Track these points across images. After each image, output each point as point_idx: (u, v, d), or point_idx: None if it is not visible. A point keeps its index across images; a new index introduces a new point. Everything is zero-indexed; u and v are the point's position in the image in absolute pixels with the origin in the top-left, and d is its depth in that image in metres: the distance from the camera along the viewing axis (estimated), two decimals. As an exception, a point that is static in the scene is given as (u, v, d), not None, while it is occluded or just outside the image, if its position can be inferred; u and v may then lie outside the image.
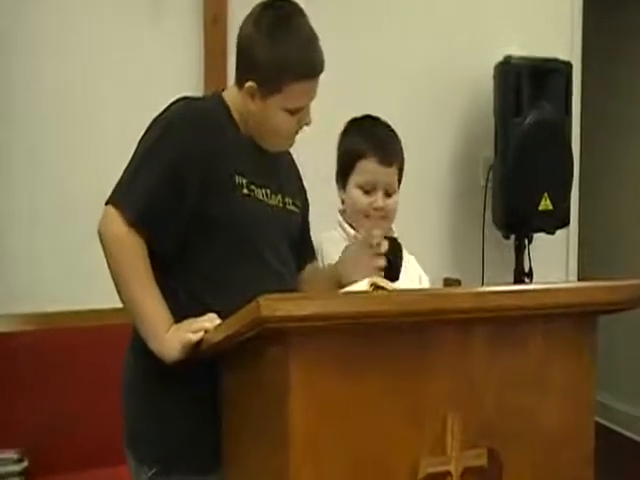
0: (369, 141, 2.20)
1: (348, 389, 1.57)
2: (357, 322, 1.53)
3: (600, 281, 1.81)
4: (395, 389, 1.61)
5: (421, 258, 2.28)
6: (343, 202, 2.29)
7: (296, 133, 2.06)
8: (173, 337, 1.82)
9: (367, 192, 2.20)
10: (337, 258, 2.12)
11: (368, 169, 2.19)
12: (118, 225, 1.86)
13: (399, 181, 2.25)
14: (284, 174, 2.16)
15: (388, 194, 2.21)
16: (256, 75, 1.96)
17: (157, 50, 3.32)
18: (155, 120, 1.97)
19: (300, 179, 2.26)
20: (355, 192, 2.21)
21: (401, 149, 2.26)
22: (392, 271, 2.02)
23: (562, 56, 3.85)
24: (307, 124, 2.05)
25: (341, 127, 2.32)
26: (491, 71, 3.76)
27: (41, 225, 3.19)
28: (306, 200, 2.26)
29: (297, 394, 1.53)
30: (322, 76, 2.01)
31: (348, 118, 2.33)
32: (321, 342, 1.54)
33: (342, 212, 2.29)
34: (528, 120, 3.67)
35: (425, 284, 2.29)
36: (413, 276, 2.26)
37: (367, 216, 2.20)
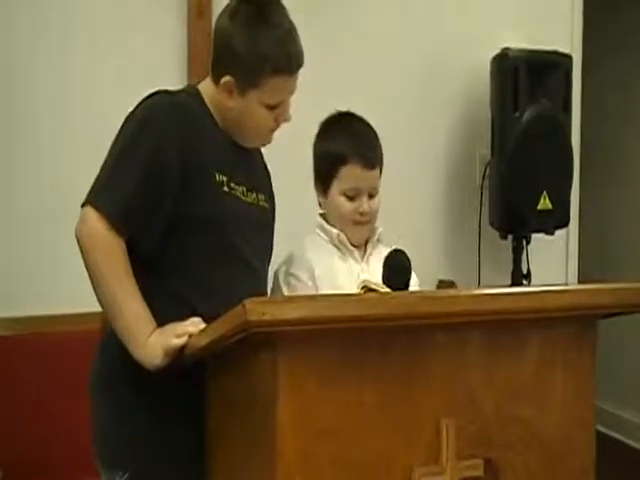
0: (350, 144, 2.19)
1: (338, 397, 1.57)
2: (348, 326, 1.53)
3: (602, 283, 1.82)
4: (387, 396, 1.62)
5: (414, 259, 2.27)
6: (321, 205, 2.28)
7: (274, 130, 2.07)
8: (155, 342, 1.82)
9: (351, 198, 2.20)
10: (321, 264, 2.16)
11: (352, 175, 2.19)
12: (96, 226, 1.85)
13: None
14: (257, 171, 2.18)
15: (371, 195, 2.22)
16: (234, 70, 1.97)
17: (141, 44, 3.32)
18: (131, 115, 1.97)
19: (269, 178, 2.28)
20: (339, 199, 2.21)
21: (380, 146, 2.26)
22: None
23: (562, 49, 3.85)
24: (286, 120, 2.06)
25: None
26: (488, 64, 3.76)
27: (25, 227, 3.19)
28: (274, 201, 2.27)
29: (285, 403, 1.54)
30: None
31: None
32: (310, 348, 1.54)
33: (322, 215, 2.29)
34: (526, 116, 3.67)
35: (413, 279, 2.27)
36: None
37: (353, 221, 2.21)
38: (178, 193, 1.91)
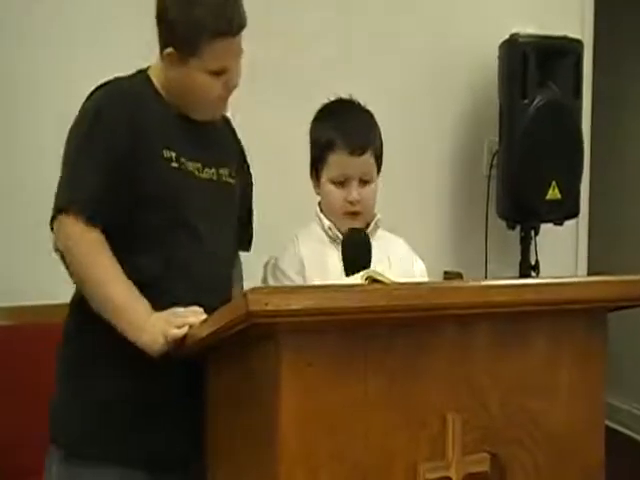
0: (337, 130, 2.17)
1: (342, 390, 1.57)
2: (352, 318, 1.53)
3: (611, 275, 1.81)
4: (392, 390, 1.61)
5: (421, 250, 2.29)
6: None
7: (225, 98, 2.08)
8: (156, 328, 1.83)
9: (340, 184, 2.18)
10: (312, 252, 2.17)
11: (338, 162, 2.16)
12: (72, 227, 1.90)
13: (379, 167, 2.22)
14: (219, 145, 2.18)
15: (364, 182, 2.18)
16: (172, 39, 1.99)
17: (139, 28, 3.31)
18: (83, 108, 2.02)
19: (242, 152, 2.28)
20: (328, 187, 2.19)
21: (376, 133, 2.23)
22: (348, 267, 2.03)
23: (572, 34, 3.84)
24: (234, 86, 2.06)
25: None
26: (496, 50, 3.76)
27: (26, 216, 3.17)
28: (249, 174, 2.28)
29: (288, 397, 1.54)
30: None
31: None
32: (313, 340, 1.54)
33: (319, 203, 2.29)
34: (535, 103, 3.67)
35: (419, 268, 2.27)
36: (404, 259, 2.26)
37: (343, 213, 2.19)
38: (133, 175, 1.95)
